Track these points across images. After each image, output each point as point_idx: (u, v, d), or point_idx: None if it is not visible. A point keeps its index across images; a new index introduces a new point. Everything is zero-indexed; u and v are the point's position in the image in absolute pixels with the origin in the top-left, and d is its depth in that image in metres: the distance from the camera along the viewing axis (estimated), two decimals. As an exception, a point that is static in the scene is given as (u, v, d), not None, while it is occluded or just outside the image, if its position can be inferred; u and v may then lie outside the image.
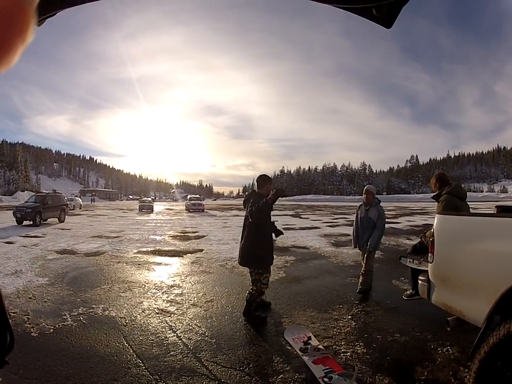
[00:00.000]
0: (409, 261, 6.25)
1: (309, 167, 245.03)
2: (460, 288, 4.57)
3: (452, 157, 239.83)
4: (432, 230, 5.12)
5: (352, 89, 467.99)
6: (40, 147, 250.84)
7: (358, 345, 5.84)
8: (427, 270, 5.25)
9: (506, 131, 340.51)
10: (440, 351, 5.51)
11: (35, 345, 5.70)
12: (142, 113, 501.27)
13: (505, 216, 4.87)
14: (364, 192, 9.12)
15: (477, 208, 33.35)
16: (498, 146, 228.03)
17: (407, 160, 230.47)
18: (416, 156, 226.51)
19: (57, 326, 6.49)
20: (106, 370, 4.95)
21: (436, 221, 5.05)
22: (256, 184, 7.26)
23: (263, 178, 7.17)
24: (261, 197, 6.84)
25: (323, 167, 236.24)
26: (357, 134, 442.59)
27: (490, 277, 4.05)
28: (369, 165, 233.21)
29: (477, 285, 4.26)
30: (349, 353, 5.56)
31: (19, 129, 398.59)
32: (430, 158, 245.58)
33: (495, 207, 6.72)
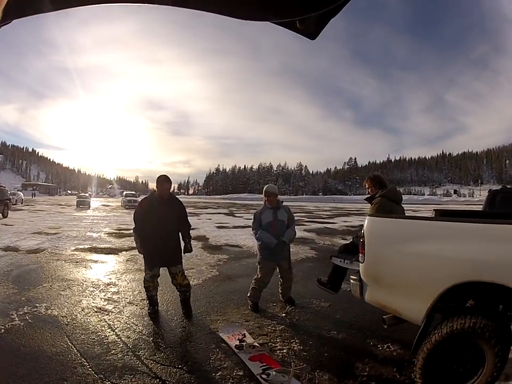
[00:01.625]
0: (340, 261, 6.37)
1: (245, 165, 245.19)
2: (394, 288, 4.77)
3: (392, 160, 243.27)
4: (362, 231, 5.24)
5: (297, 90, 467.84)
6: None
7: (294, 343, 5.89)
8: (358, 270, 5.40)
9: (453, 138, 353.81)
10: (380, 348, 5.63)
11: (-9, 346, 5.63)
12: (83, 105, 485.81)
13: (437, 219, 5.21)
14: (265, 194, 7.91)
15: (416, 211, 34.05)
16: (443, 152, 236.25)
17: (345, 162, 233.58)
18: (355, 158, 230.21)
19: (7, 326, 6.45)
20: (55, 370, 4.97)
21: (366, 223, 5.17)
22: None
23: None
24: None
25: (259, 166, 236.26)
26: (296, 134, 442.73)
27: (426, 278, 4.28)
28: (306, 166, 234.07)
29: (412, 285, 4.47)
30: (285, 350, 5.63)
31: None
32: (369, 161, 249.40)
33: (433, 210, 6.86)
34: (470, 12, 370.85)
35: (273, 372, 4.76)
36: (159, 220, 6.94)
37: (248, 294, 7.83)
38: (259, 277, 7.77)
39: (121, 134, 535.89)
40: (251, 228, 8.17)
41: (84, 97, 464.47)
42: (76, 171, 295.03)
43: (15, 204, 45.21)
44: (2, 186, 33.06)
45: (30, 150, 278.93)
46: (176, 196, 8.03)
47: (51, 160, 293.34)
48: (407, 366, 4.90)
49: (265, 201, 7.91)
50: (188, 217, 7.59)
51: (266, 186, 8.11)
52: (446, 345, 3.94)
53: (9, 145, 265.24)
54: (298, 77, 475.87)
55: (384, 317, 5.06)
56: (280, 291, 8.03)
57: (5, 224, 23.41)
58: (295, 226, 8.03)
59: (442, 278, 4.05)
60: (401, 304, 4.68)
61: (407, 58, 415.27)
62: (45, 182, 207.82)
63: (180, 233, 7.36)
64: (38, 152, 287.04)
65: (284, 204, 8.06)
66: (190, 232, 7.55)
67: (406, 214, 6.57)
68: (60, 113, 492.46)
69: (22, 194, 59.39)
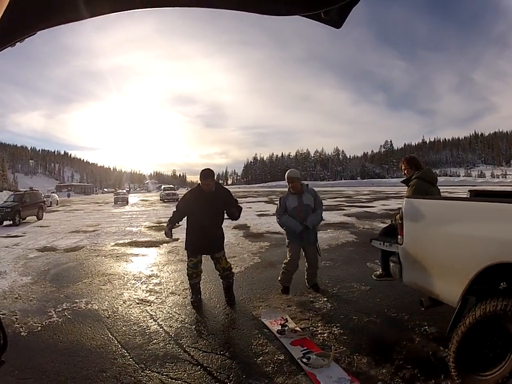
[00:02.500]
0: (380, 243, 6.29)
1: (282, 153, 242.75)
2: (431, 269, 4.71)
3: (427, 142, 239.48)
4: (400, 213, 5.26)
5: (326, 76, 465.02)
6: (16, 145, 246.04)
7: (335, 327, 5.86)
8: (397, 252, 5.40)
9: (484, 118, 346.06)
10: (417, 331, 5.55)
11: (26, 344, 5.69)
12: (113, 105, 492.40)
13: (472, 200, 5.07)
14: (287, 180, 7.77)
15: (453, 193, 33.78)
16: (475, 132, 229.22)
17: (381, 145, 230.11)
18: (391, 141, 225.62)
19: (44, 323, 6.48)
20: (94, 363, 4.99)
21: (404, 205, 5.20)
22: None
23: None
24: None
25: (296, 153, 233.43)
26: (330, 120, 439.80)
27: (461, 259, 4.17)
28: (343, 150, 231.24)
29: (448, 267, 4.39)
30: (326, 334, 5.62)
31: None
32: (405, 143, 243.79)
33: (468, 191, 6.73)
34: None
35: (314, 356, 4.77)
36: (203, 210, 7.00)
37: (279, 278, 7.76)
38: (288, 260, 7.64)
39: (154, 130, 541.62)
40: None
41: (113, 98, 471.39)
42: (111, 169, 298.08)
43: (49, 206, 45.83)
44: (35, 190, 33.39)
45: (62, 153, 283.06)
46: (223, 186, 8.07)
47: (84, 160, 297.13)
48: (442, 350, 4.81)
49: (289, 188, 7.81)
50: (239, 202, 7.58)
51: (287, 172, 7.91)
52: (478, 329, 3.81)
53: (39, 150, 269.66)
54: (326, 63, 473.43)
55: (421, 298, 5.04)
56: (305, 277, 7.94)
57: (41, 226, 23.67)
58: (322, 211, 7.87)
59: (477, 258, 3.91)
60: (438, 286, 4.62)
61: (430, 38, 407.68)
62: (79, 182, 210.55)
63: (222, 223, 7.41)
64: (70, 154, 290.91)
65: (310, 187, 7.94)
66: (240, 214, 7.45)
67: (442, 195, 6.53)
68: (90, 115, 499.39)
69: (57, 196, 60.35)
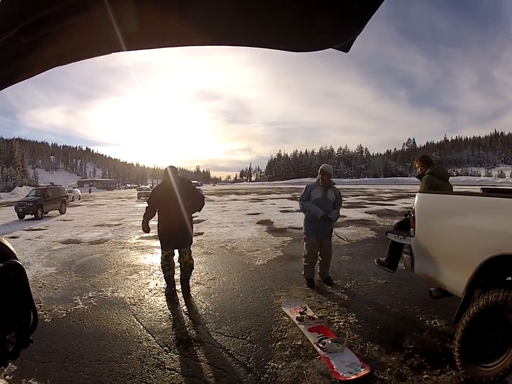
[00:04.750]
0: (395, 236, 6.57)
1: (306, 150, 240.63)
2: (440, 261, 5.00)
3: (449, 140, 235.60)
4: (413, 207, 5.57)
5: (348, 71, 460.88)
6: (36, 141, 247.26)
7: (350, 316, 6.20)
8: (410, 245, 5.70)
9: (504, 116, 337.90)
10: (428, 323, 5.82)
11: (49, 330, 5.97)
12: (135, 102, 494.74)
13: (476, 194, 5.29)
14: (321, 172, 8.21)
15: (470, 192, 33.15)
16: (496, 131, 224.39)
17: (404, 143, 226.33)
18: (413, 139, 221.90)
19: (69, 310, 6.81)
20: (119, 346, 5.32)
21: (416, 199, 5.53)
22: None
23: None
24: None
25: (320, 150, 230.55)
26: (353, 116, 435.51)
27: (467, 251, 4.42)
28: (366, 148, 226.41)
29: (455, 258, 4.66)
30: (341, 323, 5.94)
31: (13, 125, 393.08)
32: (427, 142, 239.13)
33: (481, 189, 7.04)
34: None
35: (329, 341, 5.10)
36: (168, 205, 7.41)
37: (303, 272, 8.16)
38: (306, 253, 8.11)
39: (177, 126, 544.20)
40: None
41: (135, 94, 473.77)
42: (134, 165, 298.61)
43: (72, 201, 46.24)
44: (58, 184, 33.98)
45: (84, 148, 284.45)
46: (190, 181, 8.66)
47: (107, 156, 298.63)
48: (449, 341, 5.01)
49: (318, 179, 8.22)
50: (204, 199, 8.06)
51: (323, 165, 8.43)
52: (481, 319, 3.99)
53: (60, 146, 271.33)
54: (348, 58, 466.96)
55: (431, 289, 5.31)
56: (318, 270, 8.27)
57: (64, 220, 24.19)
58: (340, 209, 8.42)
59: (482, 250, 4.11)
60: (446, 277, 4.88)
61: (451, 33, 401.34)
62: (101, 178, 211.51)
63: (191, 218, 7.78)
64: (92, 150, 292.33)
65: (336, 186, 8.37)
66: (202, 209, 8.02)
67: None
68: (112, 111, 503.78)
69: (79, 191, 60.83)
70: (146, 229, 7.84)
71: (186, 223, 7.51)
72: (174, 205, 7.28)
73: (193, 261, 7.83)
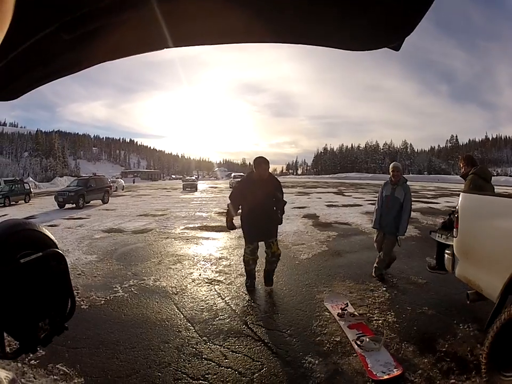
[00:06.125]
0: (438, 236, 6.59)
1: (352, 144, 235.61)
2: (479, 263, 4.95)
3: (490, 139, 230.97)
4: (457, 207, 5.49)
5: (391, 66, 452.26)
6: (77, 133, 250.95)
7: (390, 315, 6.24)
8: (452, 245, 5.65)
9: None
10: (461, 327, 5.77)
11: (85, 316, 6.08)
12: (178, 94, 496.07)
13: None
14: (391, 169, 8.53)
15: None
16: None
17: (447, 140, 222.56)
18: (456, 136, 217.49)
19: (108, 297, 6.95)
20: (158, 334, 5.40)
21: (460, 199, 5.46)
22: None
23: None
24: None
25: (365, 145, 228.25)
26: (397, 111, 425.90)
27: (503, 254, 4.31)
28: (411, 144, 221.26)
29: (493, 262, 4.56)
30: (380, 321, 5.97)
31: (53, 118, 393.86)
32: (469, 139, 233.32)
33: None
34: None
35: (367, 339, 5.18)
36: (256, 198, 7.29)
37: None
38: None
39: (222, 118, 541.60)
40: None
41: (179, 87, 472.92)
42: (179, 156, 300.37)
43: (115, 191, 46.91)
44: (101, 175, 34.65)
45: (128, 140, 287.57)
46: (275, 176, 8.34)
47: (151, 148, 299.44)
48: (479, 347, 4.91)
49: (390, 176, 8.43)
50: (284, 194, 7.84)
51: (393, 162, 8.81)
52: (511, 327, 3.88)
53: (103, 137, 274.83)
54: (390, 52, 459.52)
55: (468, 292, 5.24)
56: (375, 264, 8.41)
57: (106, 210, 24.66)
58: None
59: None
60: (482, 280, 4.80)
61: (487, 27, 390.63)
62: (146, 169, 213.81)
63: (277, 211, 7.66)
64: (136, 142, 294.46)
65: (407, 184, 8.40)
66: (285, 208, 7.85)
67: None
68: (156, 105, 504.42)
69: (123, 181, 61.85)
70: (231, 226, 7.69)
71: (273, 214, 7.53)
72: (262, 196, 7.27)
73: (281, 251, 7.74)
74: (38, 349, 1.12)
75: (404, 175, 8.58)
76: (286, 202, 7.88)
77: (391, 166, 8.57)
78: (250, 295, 7.15)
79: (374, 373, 4.38)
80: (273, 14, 1.38)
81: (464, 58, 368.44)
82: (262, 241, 7.52)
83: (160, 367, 4.52)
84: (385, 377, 4.30)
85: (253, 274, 7.64)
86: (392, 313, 6.29)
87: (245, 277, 7.70)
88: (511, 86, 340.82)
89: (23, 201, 33.04)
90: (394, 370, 4.44)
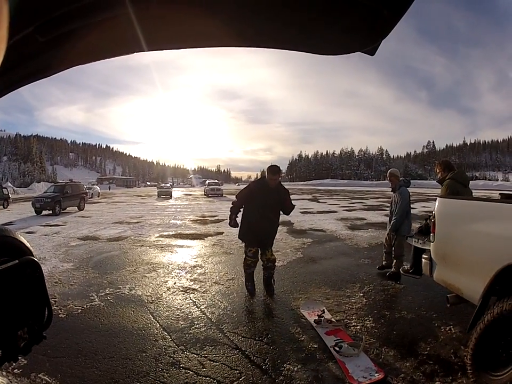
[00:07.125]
0: (415, 241, 6.74)
1: (327, 151, 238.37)
2: (458, 266, 5.03)
3: (468, 144, 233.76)
4: (433, 212, 5.59)
5: (369, 71, 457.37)
6: (55, 138, 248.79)
7: (368, 320, 6.27)
8: (430, 249, 5.75)
9: None
10: (443, 329, 5.86)
11: (63, 325, 6.02)
12: (154, 100, 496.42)
13: (497, 201, 5.27)
14: (387, 175, 9.16)
15: (490, 197, 33.02)
16: None
17: (423, 145, 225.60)
18: (433, 142, 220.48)
19: (85, 306, 6.88)
20: (135, 344, 5.36)
21: (436, 204, 5.57)
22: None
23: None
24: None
25: (341, 151, 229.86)
26: (374, 117, 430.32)
27: (484, 258, 4.40)
28: (386, 150, 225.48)
29: (472, 265, 4.66)
30: (358, 327, 6.00)
31: (31, 122, 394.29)
32: (447, 144, 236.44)
33: (499, 194, 6.93)
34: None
35: (345, 345, 5.18)
36: (263, 204, 7.37)
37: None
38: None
39: (198, 125, 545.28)
40: None
41: (155, 92, 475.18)
42: (155, 163, 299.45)
43: (91, 198, 46.62)
44: (77, 181, 34.35)
45: (104, 146, 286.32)
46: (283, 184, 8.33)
47: (127, 154, 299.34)
48: (462, 349, 5.02)
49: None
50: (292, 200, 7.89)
51: (390, 169, 9.45)
52: (495, 327, 3.97)
53: (79, 143, 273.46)
54: (368, 58, 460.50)
55: (448, 295, 5.29)
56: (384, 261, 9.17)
57: (82, 216, 24.46)
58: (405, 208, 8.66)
59: (499, 257, 4.09)
60: (463, 283, 4.87)
61: (468, 33, 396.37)
62: (121, 176, 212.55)
63: (278, 220, 7.82)
64: (112, 148, 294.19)
65: (404, 188, 8.85)
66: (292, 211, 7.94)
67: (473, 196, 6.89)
68: (132, 110, 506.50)
69: (98, 188, 61.26)
70: (234, 223, 7.82)
71: (275, 223, 7.66)
72: (270, 202, 7.36)
73: (275, 258, 7.86)
74: (19, 358, 1.15)
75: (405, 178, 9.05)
76: (294, 206, 7.91)
77: (388, 172, 9.15)
78: (249, 297, 7.34)
79: (355, 378, 4.40)
80: (246, 19, 1.44)
81: (444, 64, 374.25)
82: (260, 247, 7.58)
83: (139, 377, 4.49)
84: (367, 382, 4.34)
85: (252, 277, 7.72)
86: (370, 319, 6.33)
87: (244, 279, 7.81)
88: (491, 91, 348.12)
89: (1, 206, 32.72)
90: (376, 374, 4.47)
